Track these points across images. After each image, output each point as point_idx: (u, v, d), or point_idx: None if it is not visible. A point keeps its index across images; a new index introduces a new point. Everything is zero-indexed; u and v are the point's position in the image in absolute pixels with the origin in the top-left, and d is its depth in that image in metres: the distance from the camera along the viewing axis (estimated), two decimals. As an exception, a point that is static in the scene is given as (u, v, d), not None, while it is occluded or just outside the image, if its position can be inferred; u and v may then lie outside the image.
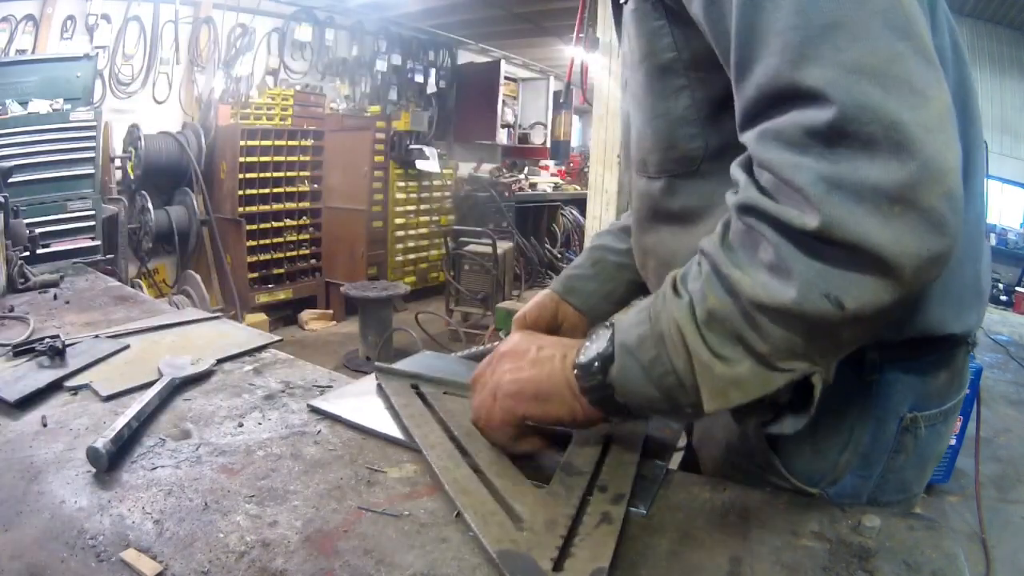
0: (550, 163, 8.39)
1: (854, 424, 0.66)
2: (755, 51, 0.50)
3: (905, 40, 0.45)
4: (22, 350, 1.00)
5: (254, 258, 5.03)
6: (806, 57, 0.46)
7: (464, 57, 7.53)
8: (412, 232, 6.13)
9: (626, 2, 0.71)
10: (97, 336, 1.11)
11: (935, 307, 0.63)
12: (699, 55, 0.63)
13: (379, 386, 0.89)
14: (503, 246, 5.23)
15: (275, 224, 5.14)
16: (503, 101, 7.68)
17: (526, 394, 0.65)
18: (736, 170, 0.54)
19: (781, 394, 0.53)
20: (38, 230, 1.71)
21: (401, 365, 0.94)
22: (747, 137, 0.52)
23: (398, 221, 5.95)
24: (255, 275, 5.06)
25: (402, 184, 5.93)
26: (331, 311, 5.44)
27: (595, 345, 0.60)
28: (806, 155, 0.47)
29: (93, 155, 3.62)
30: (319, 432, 0.79)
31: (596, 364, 0.59)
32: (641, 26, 0.68)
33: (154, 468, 0.69)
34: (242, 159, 4.83)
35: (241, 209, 4.89)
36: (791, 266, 0.48)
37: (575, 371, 0.61)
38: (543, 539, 0.55)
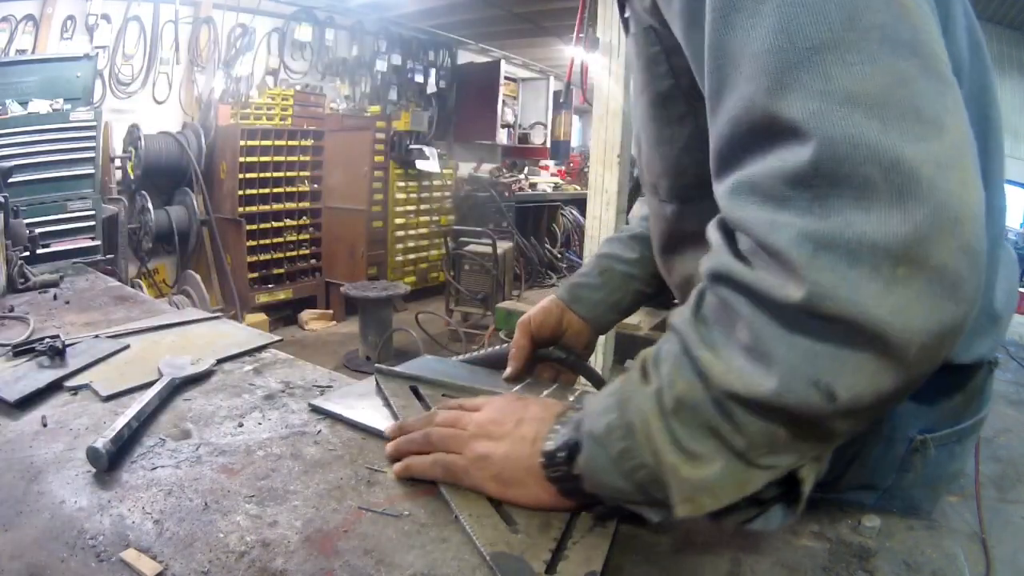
0: (550, 163, 8.40)
1: (863, 442, 0.64)
2: (727, 77, 0.42)
3: (911, 57, 0.37)
4: (22, 350, 1.00)
5: (254, 258, 5.03)
6: (785, 85, 0.38)
7: (464, 57, 7.53)
8: (412, 232, 6.13)
9: (627, 17, 0.69)
10: (97, 336, 1.11)
11: None
12: (697, 84, 0.58)
13: (378, 386, 0.89)
14: (503, 246, 5.23)
15: (275, 224, 5.15)
16: (503, 101, 7.69)
17: (489, 473, 0.61)
18: (712, 231, 0.47)
19: (765, 491, 0.47)
20: (38, 230, 1.71)
21: (402, 368, 0.94)
22: (719, 191, 0.45)
23: (398, 221, 5.95)
24: (255, 275, 5.06)
25: (402, 184, 5.93)
26: (331, 311, 5.44)
27: (564, 431, 0.57)
28: (785, 210, 0.38)
29: (93, 155, 3.62)
30: (319, 432, 0.79)
31: (562, 454, 0.56)
32: (641, 52, 0.65)
33: (154, 468, 0.69)
34: (242, 159, 4.83)
35: (241, 209, 4.89)
36: (771, 349, 0.40)
37: (541, 459, 0.58)
38: (537, 542, 0.55)
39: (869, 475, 0.66)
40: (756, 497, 0.48)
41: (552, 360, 0.93)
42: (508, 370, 0.89)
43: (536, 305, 0.96)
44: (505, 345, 0.93)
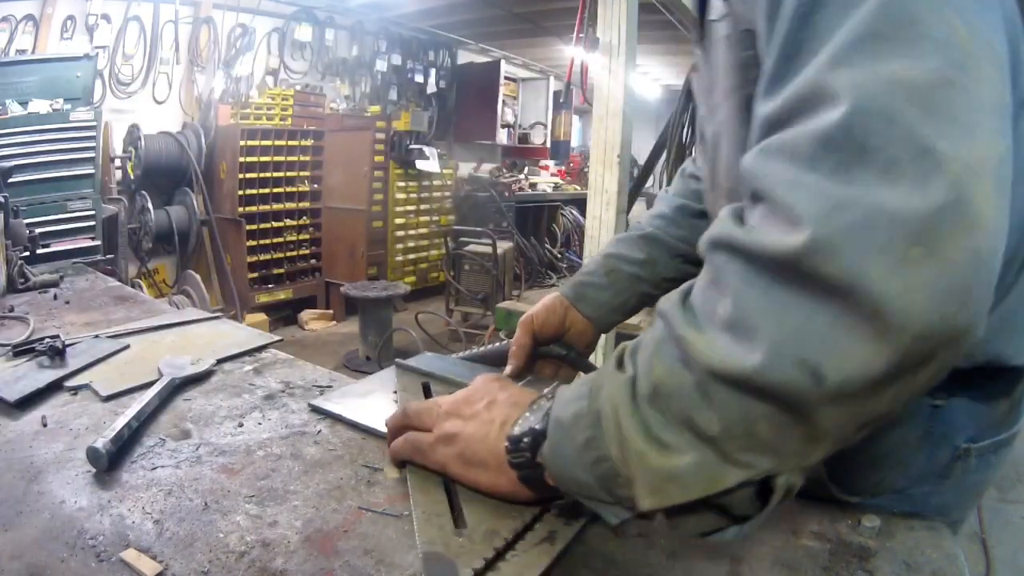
0: (550, 163, 8.40)
1: (911, 446, 0.64)
2: (794, 57, 0.42)
3: (964, 70, 0.37)
4: (22, 350, 1.00)
5: (254, 258, 5.03)
6: (840, 62, 0.38)
7: (464, 57, 7.53)
8: (412, 232, 6.13)
9: (719, 20, 0.65)
10: (97, 336, 1.11)
11: (1007, 335, 0.58)
12: None
13: (395, 381, 0.91)
14: (503, 246, 5.23)
15: (275, 224, 5.14)
16: (503, 101, 7.69)
17: (453, 451, 0.61)
18: (722, 211, 0.45)
19: (736, 504, 0.44)
20: (38, 230, 1.71)
21: (411, 363, 0.95)
22: (747, 155, 0.43)
23: (398, 221, 5.95)
24: (255, 275, 5.06)
25: (402, 184, 5.93)
26: (331, 311, 5.44)
27: (532, 418, 0.56)
28: (810, 171, 0.37)
29: (93, 155, 3.62)
30: (319, 432, 0.79)
31: (526, 440, 0.54)
32: (731, 54, 0.62)
33: (154, 468, 0.69)
34: (242, 159, 4.83)
35: (241, 209, 4.89)
36: (756, 321, 0.38)
37: (506, 443, 0.56)
38: (476, 548, 0.54)
39: (908, 482, 0.65)
40: (728, 511, 0.46)
41: (553, 357, 0.93)
42: (508, 368, 0.89)
43: (539, 303, 0.95)
44: (506, 342, 0.93)
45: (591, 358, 0.97)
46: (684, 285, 0.47)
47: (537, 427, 0.54)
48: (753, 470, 0.42)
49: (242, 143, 4.80)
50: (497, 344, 0.97)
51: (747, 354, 0.39)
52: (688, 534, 0.48)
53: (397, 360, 0.96)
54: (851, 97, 0.37)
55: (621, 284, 0.94)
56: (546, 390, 0.58)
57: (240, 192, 4.87)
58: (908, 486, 0.65)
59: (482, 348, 0.99)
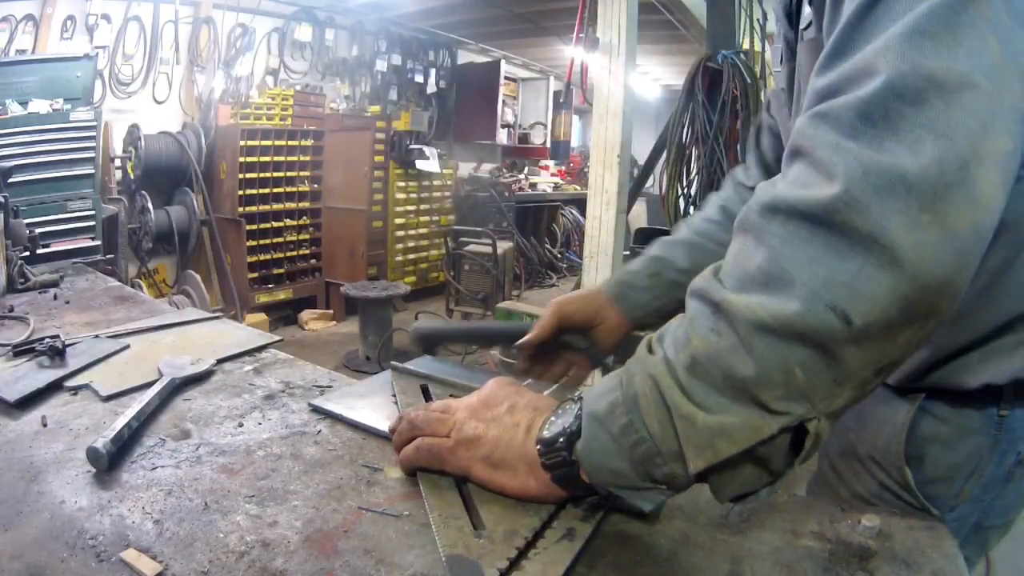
0: (550, 163, 8.40)
1: (983, 455, 0.68)
2: (853, 42, 0.47)
3: (986, 79, 0.43)
4: (22, 350, 1.00)
5: (254, 258, 5.03)
6: (890, 49, 0.44)
7: (464, 57, 7.53)
8: (412, 232, 6.13)
9: (806, 27, 0.67)
10: (97, 336, 1.11)
11: None
12: None
13: (392, 384, 0.90)
14: (503, 246, 5.23)
15: (275, 224, 5.14)
16: (503, 101, 7.69)
17: (478, 454, 0.61)
18: (760, 185, 0.51)
19: (774, 455, 0.49)
20: (38, 230, 1.71)
21: (410, 366, 0.95)
22: (799, 121, 0.49)
23: (398, 221, 5.95)
24: (255, 275, 5.06)
25: (402, 184, 5.93)
26: (331, 311, 5.44)
27: (561, 420, 0.58)
28: (851, 139, 0.44)
29: (93, 155, 3.62)
30: (319, 432, 0.79)
31: (561, 440, 0.56)
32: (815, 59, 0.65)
33: (154, 468, 0.69)
34: (242, 159, 4.83)
35: (241, 209, 4.89)
36: (792, 273, 0.44)
37: (538, 446, 0.58)
38: (498, 548, 0.54)
39: (981, 490, 0.69)
40: (766, 464, 0.49)
41: (573, 349, 0.90)
42: (526, 337, 0.87)
43: (577, 291, 0.93)
44: (519, 323, 0.90)
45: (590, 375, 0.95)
46: (712, 265, 0.52)
47: (571, 427, 0.56)
48: (790, 416, 0.47)
49: (242, 143, 4.80)
50: (508, 324, 0.94)
51: (786, 303, 0.44)
52: (729, 497, 0.52)
53: (393, 363, 0.95)
54: (889, 74, 0.43)
55: (663, 289, 0.93)
56: (569, 395, 0.60)
57: (240, 192, 4.87)
58: (981, 494, 0.69)
59: (495, 323, 0.98)
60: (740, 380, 0.46)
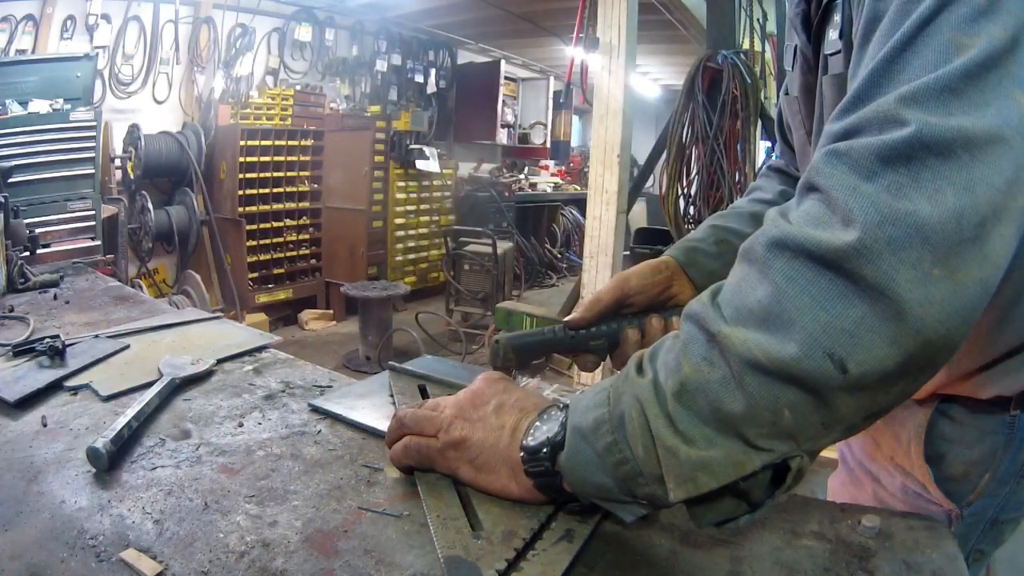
0: (550, 163, 8.40)
1: (997, 453, 0.71)
2: (882, 77, 0.46)
3: (1014, 135, 0.42)
4: (22, 350, 1.00)
5: (254, 258, 5.03)
6: (917, 100, 0.43)
7: (464, 57, 7.53)
8: (412, 232, 6.13)
9: (833, 55, 0.67)
10: (97, 336, 1.11)
11: None
12: None
13: (390, 385, 0.90)
14: (503, 246, 5.23)
15: (275, 224, 5.15)
16: (503, 101, 7.69)
17: (464, 457, 0.62)
18: (771, 211, 0.50)
19: (755, 488, 0.48)
20: (38, 230, 1.71)
21: (409, 366, 0.95)
22: (816, 156, 0.48)
23: (398, 221, 5.95)
24: (255, 275, 5.06)
25: (402, 184, 5.93)
26: (331, 311, 5.44)
27: (546, 427, 0.57)
28: (869, 182, 0.43)
29: (93, 155, 3.63)
30: (319, 432, 0.79)
31: (545, 451, 0.56)
32: (840, 96, 0.63)
33: (154, 468, 0.69)
34: (242, 159, 4.83)
35: (241, 209, 4.89)
36: (793, 315, 0.43)
37: (522, 453, 0.58)
38: (496, 550, 0.54)
39: (997, 484, 0.72)
40: (746, 496, 0.49)
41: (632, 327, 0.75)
42: (573, 315, 0.77)
43: (638, 265, 0.83)
44: (552, 327, 0.77)
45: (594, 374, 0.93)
46: (711, 287, 0.51)
47: (555, 438, 0.56)
48: (773, 454, 0.46)
49: (242, 143, 4.81)
50: (543, 329, 0.78)
51: (783, 344, 0.43)
52: (707, 523, 0.51)
53: (391, 363, 0.95)
54: (917, 124, 0.42)
55: (729, 255, 0.88)
56: (559, 399, 0.60)
57: (240, 192, 4.87)
58: (996, 489, 0.72)
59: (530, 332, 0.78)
60: (727, 414, 0.46)
